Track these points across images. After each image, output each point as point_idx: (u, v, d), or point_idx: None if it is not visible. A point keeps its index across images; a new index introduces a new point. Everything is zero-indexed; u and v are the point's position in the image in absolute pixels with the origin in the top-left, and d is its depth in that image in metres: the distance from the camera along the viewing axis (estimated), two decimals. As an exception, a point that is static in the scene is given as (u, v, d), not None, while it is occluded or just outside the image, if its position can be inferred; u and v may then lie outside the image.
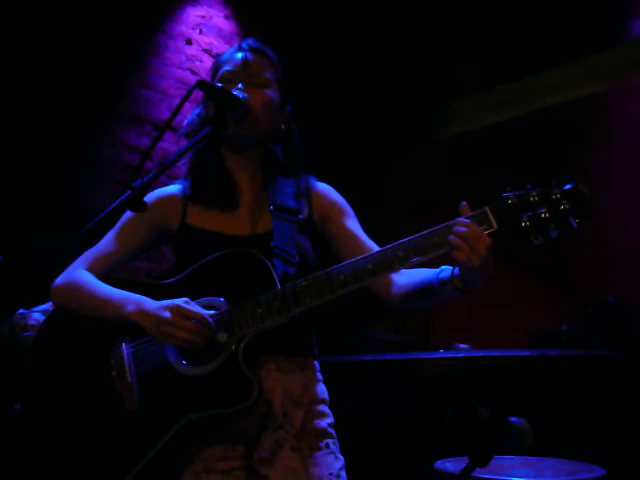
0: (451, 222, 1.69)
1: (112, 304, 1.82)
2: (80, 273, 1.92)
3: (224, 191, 2.00)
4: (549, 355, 2.87)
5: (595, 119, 4.25)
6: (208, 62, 4.55)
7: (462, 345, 3.19)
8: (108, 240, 1.98)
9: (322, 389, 1.97)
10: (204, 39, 4.55)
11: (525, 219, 1.64)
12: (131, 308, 1.79)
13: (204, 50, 4.56)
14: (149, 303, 1.78)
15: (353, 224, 2.04)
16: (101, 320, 1.85)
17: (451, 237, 1.65)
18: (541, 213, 1.64)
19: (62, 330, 1.92)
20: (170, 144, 4.33)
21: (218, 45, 4.61)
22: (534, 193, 1.66)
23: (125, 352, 1.84)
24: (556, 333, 3.08)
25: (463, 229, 1.63)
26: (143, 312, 1.76)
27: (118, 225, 2.00)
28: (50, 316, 1.97)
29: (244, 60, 2.00)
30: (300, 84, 4.75)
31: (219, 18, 4.62)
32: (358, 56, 4.99)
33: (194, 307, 1.74)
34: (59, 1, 3.86)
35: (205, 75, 4.51)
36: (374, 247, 1.98)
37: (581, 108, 4.19)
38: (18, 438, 1.79)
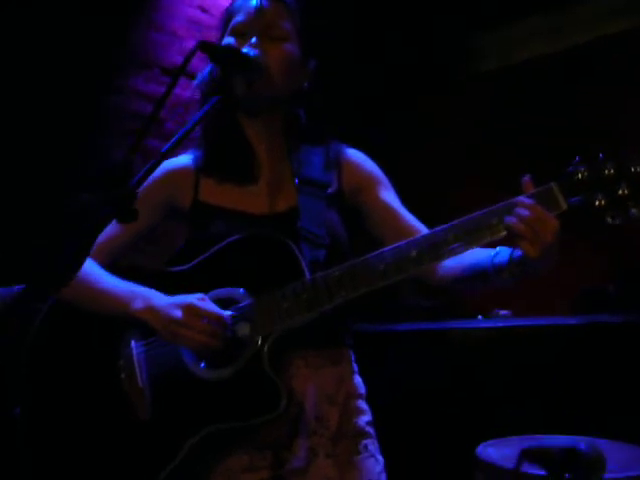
0: (511, 201, 1.43)
1: (117, 299, 1.60)
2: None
3: (241, 162, 1.76)
4: (597, 322, 2.63)
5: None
6: (219, -2, 4.20)
7: (502, 311, 2.94)
8: (112, 223, 1.74)
9: (358, 382, 1.76)
10: (214, -28, 4.19)
11: (600, 197, 1.38)
12: (138, 304, 1.57)
13: (214, -15, 4.20)
14: (158, 299, 1.56)
15: (390, 196, 1.78)
16: (106, 316, 1.63)
17: (510, 219, 1.40)
18: (618, 189, 1.38)
19: (62, 325, 1.70)
20: (183, 89, 4.03)
21: (229, -22, 4.24)
22: (609, 166, 1.39)
23: (135, 351, 1.64)
24: (602, 293, 2.82)
25: (525, 211, 1.38)
26: (152, 309, 1.55)
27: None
28: (48, 309, 1.75)
29: (258, 8, 1.72)
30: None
31: (229, -52, 4.24)
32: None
33: (209, 305, 1.52)
34: None
35: (217, 13, 4.18)
36: (415, 223, 1.74)
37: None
38: (17, 446, 1.59)
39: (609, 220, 1.37)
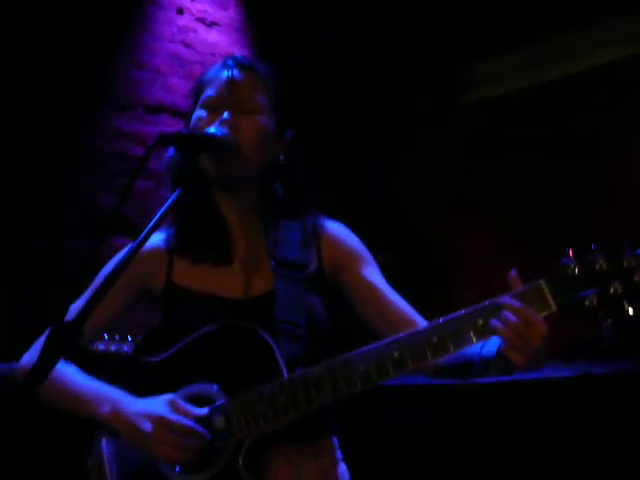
0: (497, 301, 1.34)
1: (85, 401, 1.52)
2: (48, 355, 1.60)
3: (215, 241, 1.68)
4: (593, 375, 2.55)
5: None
6: (202, 33, 4.12)
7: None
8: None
9: (342, 472, 1.68)
10: (197, 6, 4.10)
11: (591, 296, 1.30)
12: (106, 409, 1.49)
13: (198, 19, 4.11)
14: (127, 405, 1.48)
15: (373, 274, 1.70)
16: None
17: (495, 323, 1.31)
18: (610, 286, 1.29)
19: (27, 418, 1.61)
20: (166, 126, 3.97)
21: (213, 12, 4.16)
22: (601, 260, 1.31)
23: (105, 451, 1.55)
24: (596, 341, 2.71)
25: (512, 316, 1.30)
26: (120, 416, 1.47)
27: (92, 287, 1.68)
28: (11, 397, 1.66)
29: (230, 81, 1.64)
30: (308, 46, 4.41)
31: (212, -19, 4.17)
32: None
33: (180, 417, 1.43)
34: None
35: (202, 49, 4.10)
36: (400, 303, 1.66)
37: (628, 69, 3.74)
38: None
39: (603, 323, 1.28)
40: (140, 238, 1.36)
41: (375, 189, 4.51)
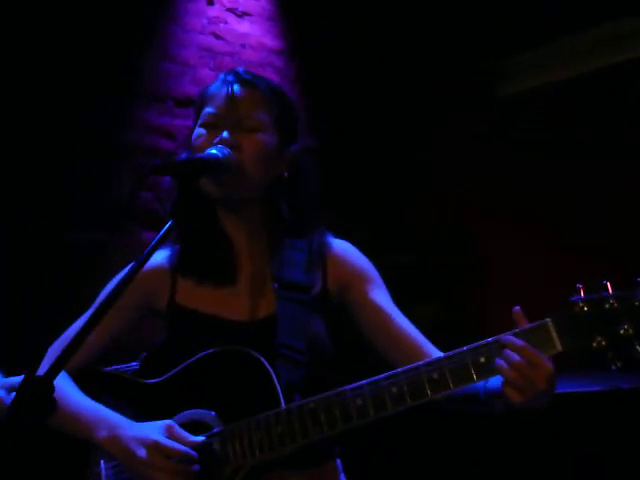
0: (501, 339, 1.28)
1: (83, 424, 1.51)
2: (50, 374, 1.60)
3: (220, 262, 1.64)
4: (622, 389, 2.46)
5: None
6: (234, 23, 4.06)
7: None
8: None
9: (346, 495, 1.64)
10: (227, -4, 4.06)
11: (599, 337, 1.23)
12: (103, 434, 1.48)
13: (228, 10, 4.05)
14: (124, 429, 1.46)
15: (381, 295, 1.64)
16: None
17: (500, 362, 1.26)
18: (621, 328, 1.22)
19: (25, 436, 1.60)
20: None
21: (244, 2, 4.09)
22: (612, 299, 1.23)
23: (104, 473, 1.54)
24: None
25: (516, 356, 1.23)
26: (116, 441, 1.45)
27: (95, 307, 1.66)
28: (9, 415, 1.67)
29: (229, 98, 1.59)
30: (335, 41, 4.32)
31: (243, -29, 4.10)
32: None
33: (175, 443, 1.41)
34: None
35: (232, 39, 4.05)
36: (407, 326, 1.61)
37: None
38: None
39: (612, 366, 1.21)
40: (135, 265, 1.34)
41: (408, 190, 4.42)
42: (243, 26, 4.10)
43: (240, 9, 4.11)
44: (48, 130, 3.35)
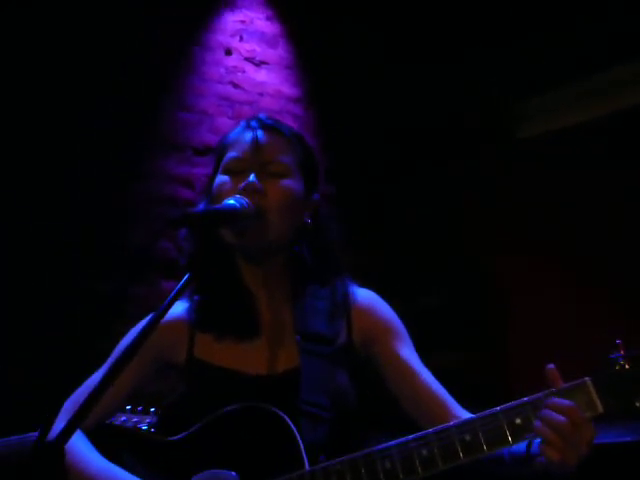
0: (537, 398, 1.22)
1: None
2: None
3: (240, 317, 1.59)
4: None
5: None
6: (251, 72, 4.09)
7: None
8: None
9: None
10: (245, 46, 4.08)
11: (643, 395, 1.15)
12: None
13: (246, 59, 4.09)
14: None
15: (407, 350, 1.58)
16: None
17: (538, 424, 1.18)
18: (666, 385, 1.15)
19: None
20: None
21: (261, 51, 4.13)
22: (655, 355, 1.16)
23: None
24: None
25: (557, 417, 1.16)
26: None
27: (111, 362, 1.62)
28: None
29: (254, 143, 1.56)
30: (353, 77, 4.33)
31: (260, 21, 4.13)
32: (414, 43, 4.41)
33: None
34: (84, 19, 3.48)
35: (250, 88, 4.07)
36: (433, 383, 1.54)
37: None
38: None
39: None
40: (153, 318, 1.30)
41: (435, 224, 4.38)
42: (261, 75, 4.13)
43: (257, 58, 4.15)
44: (68, 178, 3.36)
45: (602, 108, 3.90)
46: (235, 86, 4.04)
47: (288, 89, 4.22)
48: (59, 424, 1.54)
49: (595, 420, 1.21)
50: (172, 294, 1.27)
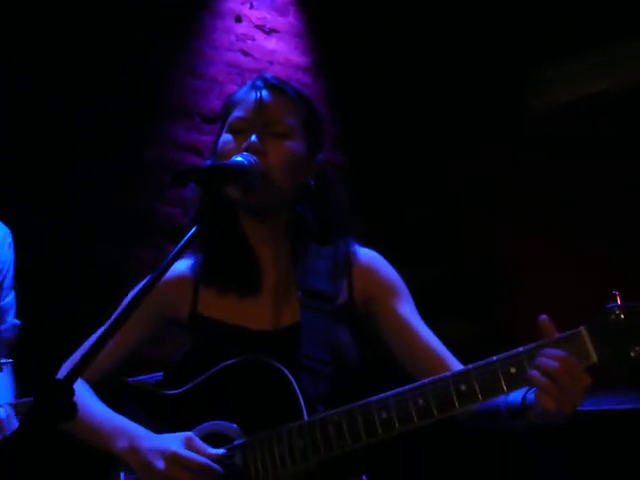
0: (532, 348, 1.23)
1: (102, 435, 1.49)
2: (71, 384, 1.57)
3: (243, 272, 1.61)
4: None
5: None
6: (261, 40, 4.08)
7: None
8: None
9: (371, 514, 1.58)
10: (255, 14, 4.06)
11: (638, 347, 1.17)
12: (122, 444, 1.45)
13: (256, 26, 4.07)
14: (143, 440, 1.44)
15: (407, 309, 1.60)
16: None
17: (533, 372, 1.20)
18: (662, 337, 1.16)
19: (49, 447, 1.58)
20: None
21: (272, 19, 4.11)
22: (651, 307, 1.17)
23: (124, 486, 1.51)
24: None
25: (552, 363, 1.18)
26: (135, 452, 1.43)
27: (116, 315, 1.64)
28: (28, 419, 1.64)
29: (258, 102, 1.57)
30: (368, 53, 4.31)
31: (271, -13, 4.12)
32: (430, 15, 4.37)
33: (193, 454, 1.37)
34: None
35: (260, 56, 4.06)
36: (433, 341, 1.56)
37: None
38: None
39: (649, 377, 1.15)
40: (156, 273, 1.32)
41: (439, 202, 4.37)
42: (270, 43, 4.12)
43: (268, 26, 4.13)
44: (76, 146, 3.37)
45: (615, 81, 3.86)
46: (245, 54, 4.03)
47: (298, 58, 4.20)
48: (62, 374, 1.58)
49: (598, 385, 1.22)
50: (178, 246, 1.29)
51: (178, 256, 1.32)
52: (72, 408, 1.05)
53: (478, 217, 4.23)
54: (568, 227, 3.88)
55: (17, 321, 2.49)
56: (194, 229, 1.33)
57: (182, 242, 1.30)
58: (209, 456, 1.39)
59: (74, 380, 1.08)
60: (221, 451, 1.41)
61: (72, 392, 1.06)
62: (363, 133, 4.26)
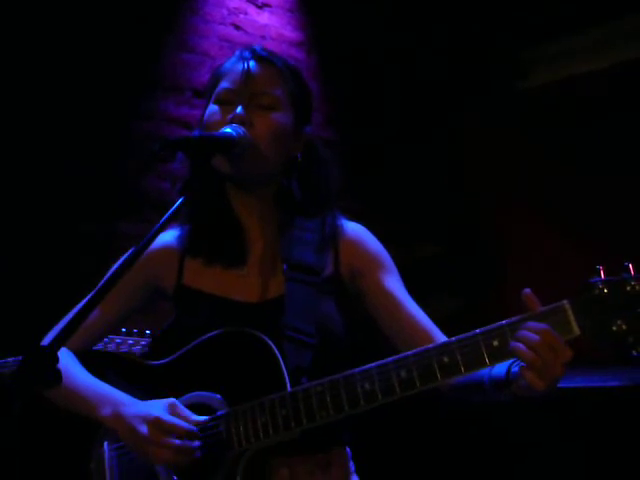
0: (514, 321, 1.23)
1: (87, 402, 1.49)
2: (55, 352, 1.57)
3: (230, 244, 1.60)
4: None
5: None
6: (253, 14, 4.04)
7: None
8: None
9: (354, 484, 1.60)
10: (248, -13, 4.03)
11: (619, 321, 1.17)
12: (106, 411, 1.46)
13: (248, 1, 4.03)
14: (127, 407, 1.44)
15: (393, 282, 1.60)
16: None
17: (516, 345, 1.20)
18: (643, 311, 1.16)
19: (33, 416, 1.58)
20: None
21: (264, -8, 4.08)
22: (633, 281, 1.17)
23: (107, 455, 1.52)
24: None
25: (533, 336, 1.18)
26: (119, 418, 1.43)
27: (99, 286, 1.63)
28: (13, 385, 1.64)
29: (245, 73, 1.55)
30: (360, 30, 4.27)
31: (263, -40, 4.07)
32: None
33: (177, 419, 1.38)
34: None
35: (252, 30, 4.03)
36: (418, 314, 1.56)
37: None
38: None
39: (633, 352, 1.15)
40: (142, 243, 1.31)
41: (435, 179, 4.37)
42: (263, 17, 4.08)
43: (260, 0, 4.08)
44: (64, 119, 3.34)
45: (608, 59, 3.85)
46: (237, 28, 4.00)
47: (290, 33, 4.17)
48: (50, 336, 1.58)
49: (583, 362, 1.23)
50: (165, 217, 1.29)
51: (164, 227, 1.31)
52: (56, 375, 1.05)
53: (468, 196, 4.23)
54: (555, 205, 3.89)
55: None
56: (181, 200, 1.32)
57: (169, 212, 1.30)
58: (192, 422, 1.39)
59: (58, 347, 1.07)
60: (204, 418, 1.41)
61: (56, 359, 1.05)
62: (355, 110, 4.24)
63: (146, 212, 3.57)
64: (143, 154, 3.59)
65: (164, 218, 1.29)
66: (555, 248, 3.74)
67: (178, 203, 1.31)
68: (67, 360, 1.56)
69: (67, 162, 3.29)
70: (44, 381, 1.06)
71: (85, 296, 1.63)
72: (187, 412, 1.41)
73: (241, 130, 1.47)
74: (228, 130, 1.46)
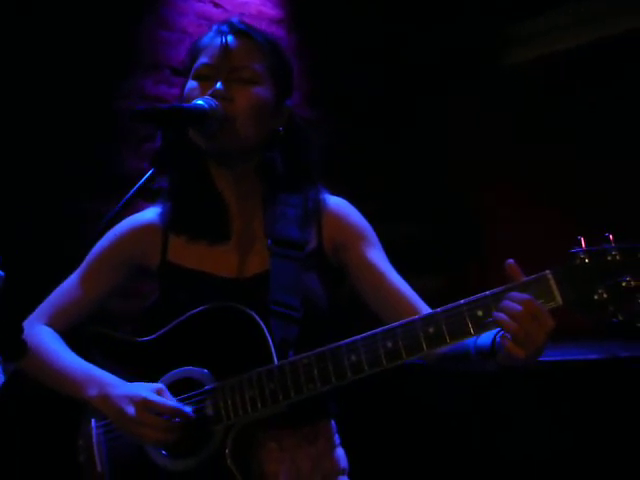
0: (498, 291, 1.25)
1: (72, 382, 1.49)
2: (39, 331, 1.57)
3: (212, 219, 1.60)
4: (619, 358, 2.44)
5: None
6: (232, -10, 3.99)
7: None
8: (72, 284, 1.62)
9: (339, 456, 1.62)
10: (227, -37, 3.98)
11: (600, 290, 1.19)
12: (93, 391, 1.46)
13: (227, -23, 3.99)
14: (113, 387, 1.44)
15: (376, 255, 1.61)
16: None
17: (499, 315, 1.22)
18: (623, 281, 1.18)
19: (23, 396, 1.58)
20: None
21: (244, -31, 4.03)
22: (614, 251, 1.20)
23: (95, 432, 1.52)
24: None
25: (516, 306, 1.20)
26: (105, 399, 1.43)
27: (84, 264, 1.63)
28: (12, 376, 1.64)
29: (224, 48, 1.54)
30: (342, 7, 4.24)
31: (242, -63, 4.02)
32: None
33: (163, 399, 1.38)
34: None
35: (231, 8, 3.98)
36: (402, 286, 1.57)
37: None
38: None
39: (613, 319, 1.18)
40: (109, 216, 1.32)
41: (419, 156, 4.37)
42: (243, -4, 4.04)
43: (239, -24, 4.04)
44: (43, 99, 3.30)
45: (591, 34, 3.86)
46: (216, 5, 3.94)
47: (271, 10, 4.13)
48: (35, 324, 1.58)
49: (559, 334, 1.25)
50: (134, 188, 1.29)
51: (133, 198, 1.31)
52: (21, 346, 1.04)
53: (450, 172, 4.25)
54: (537, 178, 3.92)
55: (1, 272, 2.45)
56: (151, 171, 1.32)
57: (139, 183, 1.29)
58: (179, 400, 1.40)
59: (23, 318, 1.06)
60: (191, 394, 1.42)
61: (21, 330, 1.04)
62: (336, 89, 4.22)
63: (125, 191, 3.55)
64: (121, 134, 3.57)
65: (133, 190, 1.29)
66: (533, 221, 3.78)
67: (147, 175, 1.31)
68: (52, 340, 1.56)
69: (47, 141, 3.25)
70: (9, 354, 1.05)
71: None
72: (173, 398, 1.42)
73: (214, 102, 1.45)
74: (200, 102, 1.44)
